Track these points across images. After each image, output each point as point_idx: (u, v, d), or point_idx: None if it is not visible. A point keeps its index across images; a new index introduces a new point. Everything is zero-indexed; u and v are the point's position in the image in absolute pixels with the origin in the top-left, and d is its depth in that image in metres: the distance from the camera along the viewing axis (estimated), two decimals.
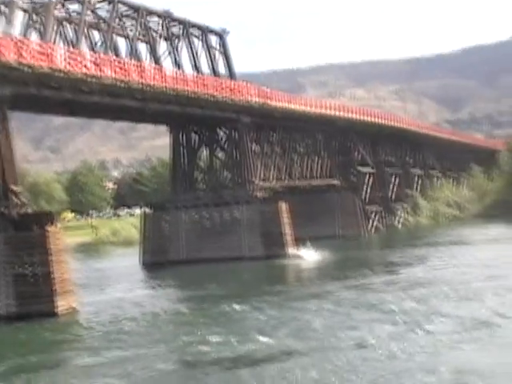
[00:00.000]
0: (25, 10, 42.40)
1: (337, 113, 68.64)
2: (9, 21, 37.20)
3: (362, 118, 73.33)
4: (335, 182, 71.26)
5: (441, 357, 19.17)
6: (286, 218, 53.43)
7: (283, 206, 53.73)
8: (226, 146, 57.74)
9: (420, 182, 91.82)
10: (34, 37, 40.25)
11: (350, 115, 71.06)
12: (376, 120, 76.57)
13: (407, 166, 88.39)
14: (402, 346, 20.44)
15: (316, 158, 68.70)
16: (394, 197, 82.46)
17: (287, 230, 53.08)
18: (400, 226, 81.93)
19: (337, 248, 52.69)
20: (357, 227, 69.17)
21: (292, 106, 60.22)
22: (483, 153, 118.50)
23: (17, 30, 39.30)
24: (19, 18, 40.01)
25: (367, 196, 75.23)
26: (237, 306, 29.95)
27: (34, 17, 42.62)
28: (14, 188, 33.56)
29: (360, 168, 75.25)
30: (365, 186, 75.53)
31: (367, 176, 76.66)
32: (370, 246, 61.66)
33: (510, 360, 18.43)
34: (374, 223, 75.65)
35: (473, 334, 21.52)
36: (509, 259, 39.91)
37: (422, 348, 20.18)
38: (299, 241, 54.22)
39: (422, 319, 24.22)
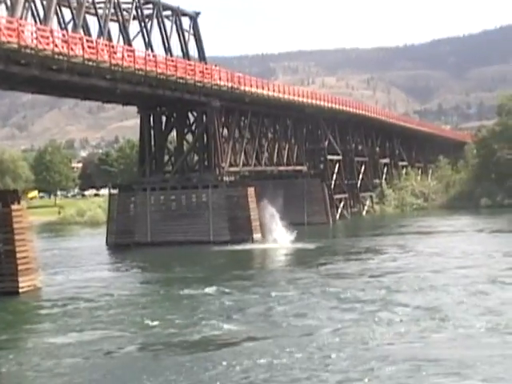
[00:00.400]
0: None
1: (306, 100, 68.72)
2: None
3: (331, 105, 73.56)
4: (303, 168, 71.53)
5: (404, 347, 19.36)
6: (252, 203, 53.50)
7: (250, 191, 53.78)
8: (195, 129, 57.57)
9: (387, 171, 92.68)
10: (2, 12, 39.56)
11: (319, 102, 71.23)
12: (345, 108, 76.90)
13: (375, 155, 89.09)
14: (365, 334, 20.59)
15: (285, 144, 68.87)
16: (361, 185, 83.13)
17: (254, 216, 53.17)
18: (365, 214, 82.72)
19: (303, 235, 52.90)
20: (324, 214, 69.47)
21: (262, 92, 60.16)
22: (451, 144, 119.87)
23: None
24: None
25: (334, 183, 75.68)
26: (202, 290, 29.97)
27: None
28: None
29: (328, 155, 75.60)
30: (332, 174, 75.96)
31: (335, 163, 77.10)
32: (336, 234, 62.05)
33: (472, 352, 18.56)
34: (341, 211, 76.15)
35: (439, 324, 21.70)
36: (475, 250, 40.42)
37: (384, 336, 20.41)
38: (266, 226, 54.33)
39: (387, 308, 24.36)
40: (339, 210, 75.72)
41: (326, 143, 75.87)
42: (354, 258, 40.64)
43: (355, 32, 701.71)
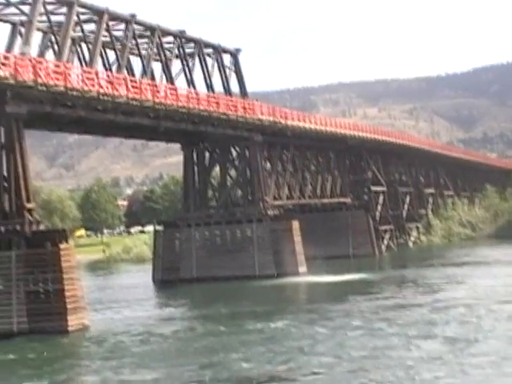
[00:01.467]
0: (42, 31, 42.90)
1: (349, 131, 68.74)
2: (26, 41, 37.63)
3: (373, 136, 73.43)
4: (347, 200, 71.20)
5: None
6: (297, 237, 53.40)
7: (295, 225, 53.73)
8: (238, 163, 57.91)
9: (433, 201, 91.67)
10: (50, 56, 40.70)
11: (361, 134, 71.15)
12: (387, 138, 76.60)
13: (420, 185, 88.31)
14: (446, 368, 20.19)
15: (328, 177, 68.75)
16: (406, 216, 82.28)
17: (299, 249, 53.02)
18: (412, 245, 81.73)
19: (349, 268, 52.51)
20: (369, 246, 68.84)
21: (304, 125, 60.39)
22: (497, 172, 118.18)
23: (34, 49, 39.78)
24: (36, 38, 40.51)
25: (379, 215, 75.08)
26: (254, 326, 29.74)
27: (51, 37, 43.06)
28: (28, 205, 33.83)
29: (372, 186, 75.20)
30: (377, 205, 75.42)
31: (379, 195, 76.58)
32: (384, 266, 61.23)
33: None
34: (387, 242, 75.42)
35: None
36: None
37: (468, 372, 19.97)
38: (311, 260, 54.12)
39: (461, 341, 23.73)
40: (385, 242, 74.96)
41: (370, 174, 75.52)
42: (409, 289, 39.94)
43: (396, 62, 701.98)
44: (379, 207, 75.75)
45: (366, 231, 69.30)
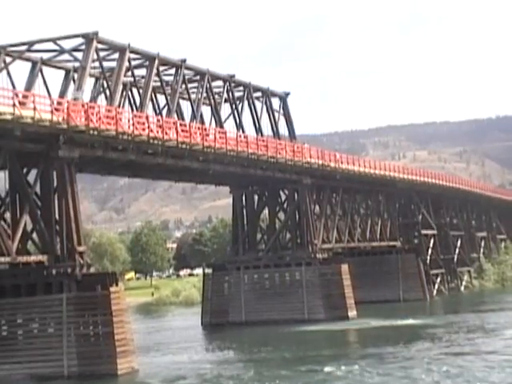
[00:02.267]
0: (94, 76, 43.83)
1: (398, 174, 68.23)
2: (79, 86, 38.47)
3: (423, 179, 72.73)
4: (397, 243, 70.32)
5: None
6: (347, 280, 52.80)
7: (344, 268, 53.19)
8: (286, 206, 57.81)
9: (485, 244, 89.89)
10: (102, 101, 41.45)
11: (411, 177, 70.55)
12: (438, 182, 75.78)
13: (472, 229, 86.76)
14: None
15: (377, 220, 68.15)
16: (457, 260, 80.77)
17: (348, 293, 52.39)
18: (464, 289, 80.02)
19: (399, 312, 51.47)
20: (420, 291, 67.61)
21: (353, 168, 60.17)
22: None
23: (86, 95, 40.59)
24: (89, 83, 41.35)
25: (430, 259, 73.85)
26: (308, 370, 29.15)
27: (103, 82, 43.94)
28: (79, 248, 34.18)
29: (422, 230, 74.16)
30: (427, 249, 74.25)
31: (430, 238, 75.44)
32: (436, 311, 59.90)
33: None
34: (438, 286, 74.01)
35: None
36: None
37: None
38: (361, 304, 53.30)
39: None
40: (436, 286, 73.58)
41: (420, 217, 74.59)
42: (463, 335, 39.05)
43: (445, 105, 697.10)
44: (430, 251, 74.57)
45: (417, 275, 68.18)
